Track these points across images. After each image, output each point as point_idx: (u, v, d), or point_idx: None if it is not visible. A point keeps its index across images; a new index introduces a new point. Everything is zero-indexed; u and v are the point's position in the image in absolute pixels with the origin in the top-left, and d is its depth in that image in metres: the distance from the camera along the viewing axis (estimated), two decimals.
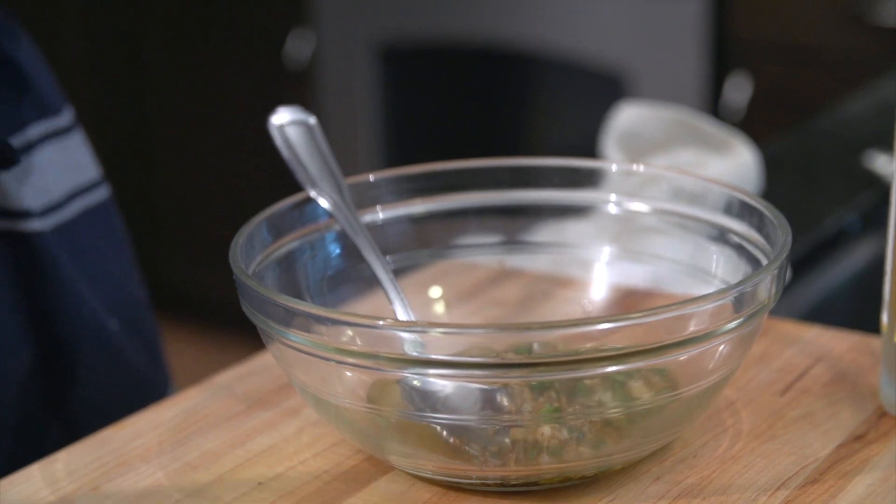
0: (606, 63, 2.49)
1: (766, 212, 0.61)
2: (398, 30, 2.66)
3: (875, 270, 1.00)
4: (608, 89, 2.48)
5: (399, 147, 2.79)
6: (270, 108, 0.66)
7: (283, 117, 0.65)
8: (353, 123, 2.76)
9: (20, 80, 0.77)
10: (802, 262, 0.94)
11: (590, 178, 0.69)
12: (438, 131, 2.78)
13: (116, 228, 0.81)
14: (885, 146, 1.10)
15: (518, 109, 2.68)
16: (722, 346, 0.54)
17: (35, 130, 0.77)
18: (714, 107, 2.42)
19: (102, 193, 0.81)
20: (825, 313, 0.95)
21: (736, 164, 0.92)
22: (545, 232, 0.71)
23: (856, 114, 1.25)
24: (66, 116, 0.80)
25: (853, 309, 0.98)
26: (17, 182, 0.74)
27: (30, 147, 0.76)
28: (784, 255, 0.56)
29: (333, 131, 2.79)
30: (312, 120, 0.66)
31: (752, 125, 2.37)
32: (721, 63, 2.43)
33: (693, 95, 2.41)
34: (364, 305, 0.65)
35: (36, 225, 0.75)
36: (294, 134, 0.65)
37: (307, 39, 2.70)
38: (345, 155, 2.75)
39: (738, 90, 2.39)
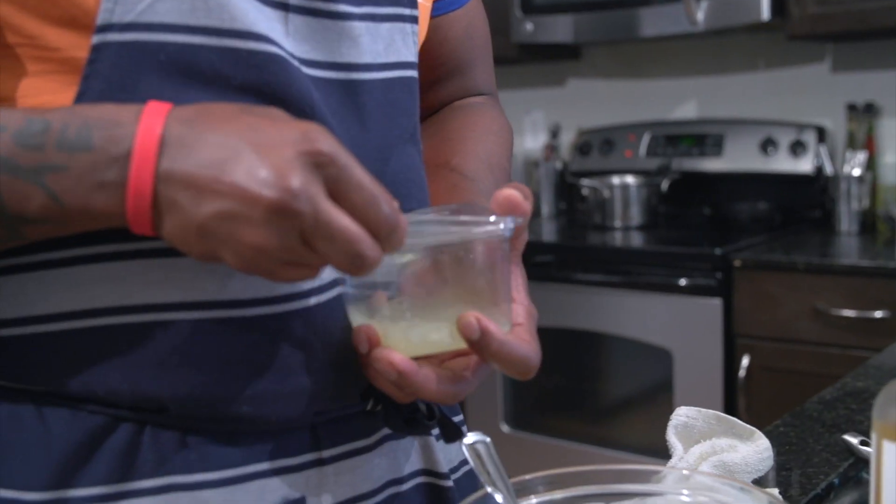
0: (657, 344, 2.49)
1: None
2: None
3: None
4: (658, 361, 2.48)
5: (518, 401, 2.78)
6: None
7: (471, 439, 0.67)
8: (490, 384, 2.77)
9: None
10: None
11: (661, 476, 0.71)
12: (546, 390, 2.78)
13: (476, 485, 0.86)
14: (853, 426, 1.10)
15: (598, 374, 2.68)
16: None
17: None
18: (728, 372, 2.41)
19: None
20: None
21: (757, 448, 0.93)
22: None
23: (831, 399, 1.24)
24: (461, 415, 0.85)
25: None
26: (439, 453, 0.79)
27: None
28: None
29: (475, 392, 2.81)
30: (488, 439, 0.67)
31: (750, 388, 2.36)
32: (730, 346, 2.42)
33: (715, 366, 2.40)
34: None
35: (449, 483, 0.79)
36: (477, 450, 0.66)
37: None
38: (483, 409, 2.76)
39: (741, 363, 2.38)
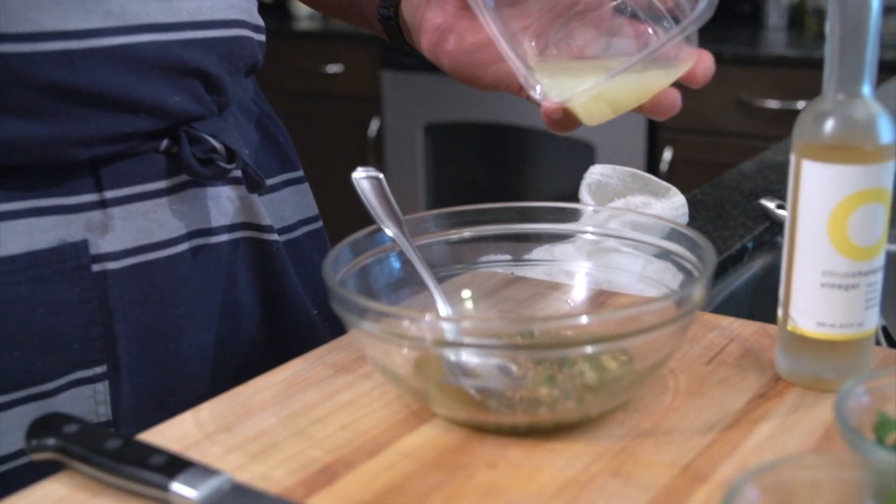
0: (580, 138, 2.45)
1: (697, 239, 0.57)
2: (439, 114, 2.63)
3: (763, 276, 0.97)
4: (581, 155, 2.44)
5: (440, 194, 2.75)
6: (356, 167, 0.63)
7: (360, 174, 0.62)
8: (411, 178, 2.73)
9: (277, 147, 0.75)
10: (716, 271, 0.90)
11: (572, 216, 0.66)
12: (469, 183, 2.75)
13: (326, 248, 0.78)
14: (770, 194, 1.07)
15: (521, 168, 2.64)
16: (667, 333, 0.51)
17: (281, 178, 0.74)
18: (650, 168, 2.38)
19: (319, 224, 0.78)
20: (730, 305, 0.92)
21: (672, 204, 0.88)
22: (541, 252, 0.67)
23: (750, 172, 1.21)
24: (299, 172, 0.77)
25: (749, 302, 0.94)
26: (265, 207, 0.70)
27: (275, 188, 0.73)
28: (711, 270, 0.53)
29: (395, 184, 2.76)
30: (380, 175, 0.62)
31: (672, 180, 2.33)
32: (653, 139, 2.38)
33: (637, 160, 2.37)
34: (416, 302, 0.61)
35: (274, 237, 0.70)
36: (368, 185, 0.61)
37: (378, 122, 2.68)
38: (404, 201, 2.73)
39: (663, 156, 2.35)
